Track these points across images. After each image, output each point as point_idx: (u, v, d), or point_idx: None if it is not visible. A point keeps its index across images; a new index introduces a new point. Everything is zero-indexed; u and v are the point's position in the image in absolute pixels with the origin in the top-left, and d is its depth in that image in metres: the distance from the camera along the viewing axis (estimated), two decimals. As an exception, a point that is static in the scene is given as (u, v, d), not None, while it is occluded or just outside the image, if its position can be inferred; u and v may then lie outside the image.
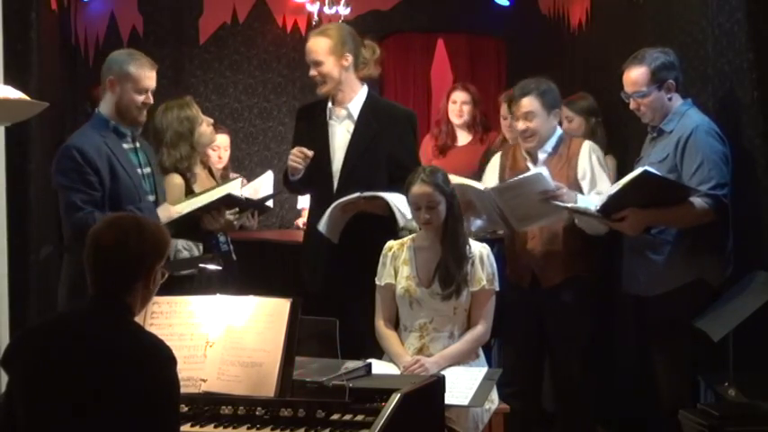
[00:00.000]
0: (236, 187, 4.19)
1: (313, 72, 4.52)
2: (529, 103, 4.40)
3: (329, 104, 4.59)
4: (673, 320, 4.05)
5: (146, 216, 3.73)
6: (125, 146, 4.02)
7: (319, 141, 4.54)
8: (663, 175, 3.96)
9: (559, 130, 4.56)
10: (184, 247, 4.41)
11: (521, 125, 4.44)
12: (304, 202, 6.22)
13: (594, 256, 4.52)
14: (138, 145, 4.10)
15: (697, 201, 3.89)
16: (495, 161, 4.72)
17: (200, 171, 4.55)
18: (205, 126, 4.52)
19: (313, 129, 4.59)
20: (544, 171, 4.25)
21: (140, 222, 2.74)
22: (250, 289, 3.40)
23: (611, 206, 3.98)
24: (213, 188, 4.29)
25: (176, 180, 4.39)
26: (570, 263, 4.44)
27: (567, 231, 4.41)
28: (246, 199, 4.19)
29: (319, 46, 4.48)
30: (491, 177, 4.65)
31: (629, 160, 5.02)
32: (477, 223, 4.54)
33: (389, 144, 4.55)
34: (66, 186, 3.89)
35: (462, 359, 4.05)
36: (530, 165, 4.48)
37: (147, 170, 4.11)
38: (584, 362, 4.55)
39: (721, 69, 4.23)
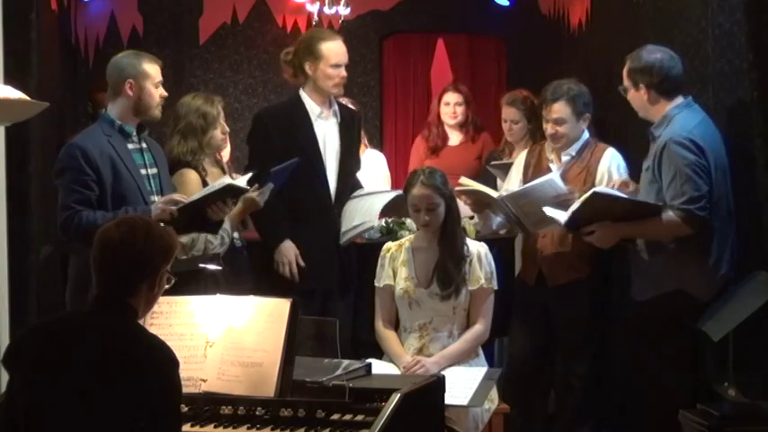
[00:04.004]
0: (242, 181, 4.18)
1: (345, 73, 4.58)
2: (560, 108, 4.43)
3: (317, 107, 4.58)
4: (662, 323, 4.06)
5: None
6: (130, 146, 4.05)
7: (307, 142, 4.55)
8: (614, 194, 4.00)
9: (586, 134, 4.56)
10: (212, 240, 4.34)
11: (549, 129, 4.47)
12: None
13: (602, 259, 4.55)
14: (144, 145, 4.11)
15: (668, 214, 3.89)
16: (521, 159, 4.73)
17: (211, 168, 4.52)
18: (219, 132, 4.49)
19: (294, 131, 4.56)
20: (555, 176, 4.27)
21: (149, 224, 2.74)
22: (254, 289, 3.40)
23: (577, 221, 4.03)
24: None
25: (192, 176, 4.36)
26: (577, 264, 4.46)
27: (576, 241, 4.39)
28: (249, 188, 4.18)
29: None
30: (516, 175, 4.68)
31: (628, 159, 5.02)
32: (497, 220, 4.56)
33: (358, 141, 4.82)
34: (62, 186, 3.93)
35: (462, 358, 4.06)
36: (552, 166, 4.50)
37: (154, 171, 4.11)
38: (590, 365, 4.56)
39: (721, 69, 4.22)
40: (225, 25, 7.39)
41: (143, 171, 4.05)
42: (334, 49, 4.50)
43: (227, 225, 4.22)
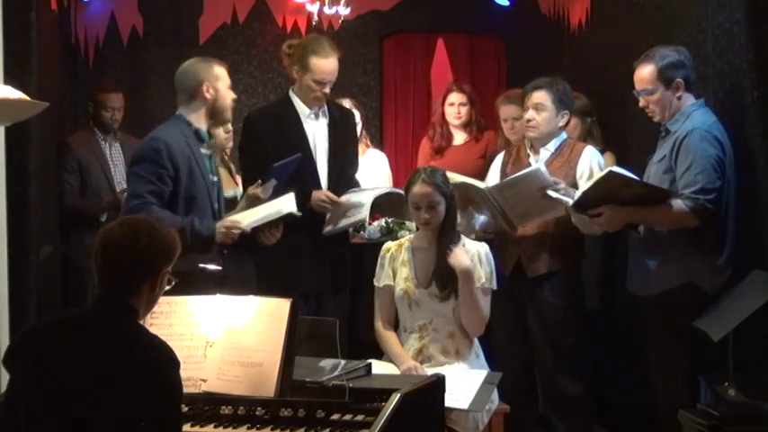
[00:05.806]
0: (292, 202, 4.15)
1: (327, 90, 4.60)
2: (541, 95, 4.48)
3: (305, 108, 4.61)
4: (665, 321, 4.07)
5: (203, 229, 3.84)
6: (203, 150, 4.09)
7: (298, 142, 4.56)
8: (629, 175, 4.00)
9: (564, 134, 4.59)
10: None
11: (529, 114, 4.50)
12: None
13: (582, 253, 4.56)
14: (210, 152, 4.18)
15: (677, 203, 3.90)
16: (498, 159, 4.79)
17: (220, 170, 4.53)
18: (222, 132, 4.51)
19: (285, 131, 4.58)
20: (542, 167, 4.28)
21: (153, 225, 2.75)
22: (255, 289, 3.40)
23: (585, 202, 4.05)
24: (266, 204, 4.20)
25: None
26: (557, 255, 4.47)
27: (559, 224, 4.44)
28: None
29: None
30: (493, 174, 4.71)
31: (628, 159, 5.02)
32: (480, 219, 4.57)
33: (353, 140, 4.84)
34: (138, 175, 3.96)
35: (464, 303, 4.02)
36: (531, 160, 4.50)
37: (215, 178, 4.18)
38: (569, 362, 4.54)
39: (721, 69, 4.23)
40: (225, 25, 7.37)
41: (210, 177, 4.09)
42: (321, 67, 4.54)
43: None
